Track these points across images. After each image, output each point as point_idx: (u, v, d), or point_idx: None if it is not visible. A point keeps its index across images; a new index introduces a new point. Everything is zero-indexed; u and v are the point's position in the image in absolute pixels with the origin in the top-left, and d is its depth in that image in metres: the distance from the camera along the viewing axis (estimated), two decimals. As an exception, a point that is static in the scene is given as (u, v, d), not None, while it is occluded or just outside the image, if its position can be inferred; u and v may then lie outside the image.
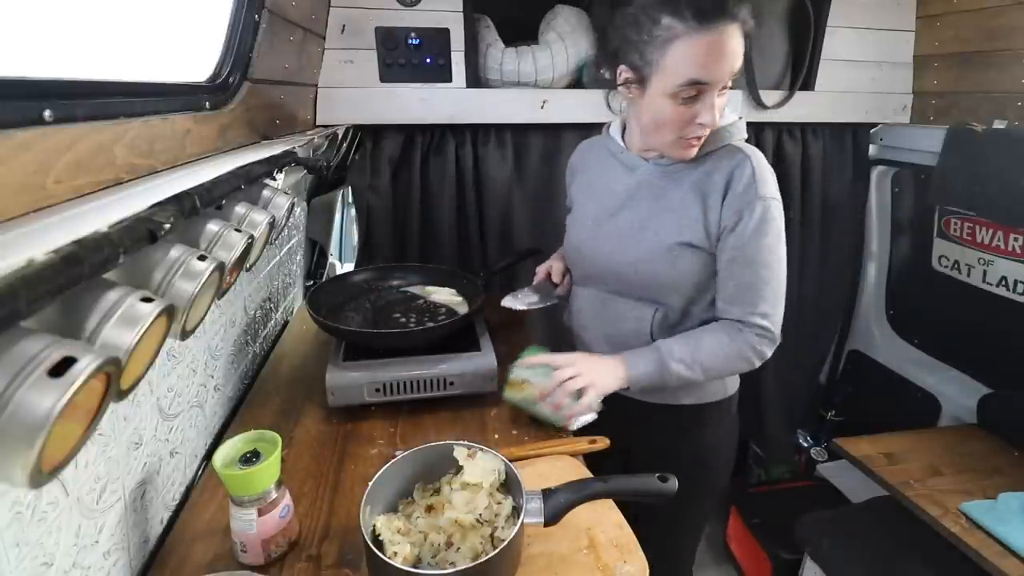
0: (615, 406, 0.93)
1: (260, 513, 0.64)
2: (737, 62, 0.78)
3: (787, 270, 0.87)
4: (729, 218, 0.84)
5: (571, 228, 1.03)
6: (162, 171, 0.60)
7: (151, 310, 0.43)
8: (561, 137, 1.51)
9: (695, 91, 0.78)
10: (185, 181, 0.54)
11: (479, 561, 0.57)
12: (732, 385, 1.00)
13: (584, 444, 0.87)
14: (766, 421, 1.80)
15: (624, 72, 0.84)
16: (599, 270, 0.97)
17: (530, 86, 1.41)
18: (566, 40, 1.40)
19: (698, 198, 0.86)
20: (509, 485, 0.68)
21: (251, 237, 0.65)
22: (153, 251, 0.51)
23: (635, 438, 0.97)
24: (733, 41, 0.76)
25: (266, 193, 0.82)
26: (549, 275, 1.10)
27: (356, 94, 1.31)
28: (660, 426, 0.98)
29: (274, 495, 0.65)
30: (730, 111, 0.88)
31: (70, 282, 0.35)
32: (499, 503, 0.65)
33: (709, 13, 0.74)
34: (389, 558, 0.56)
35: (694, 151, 0.85)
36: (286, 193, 0.85)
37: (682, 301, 0.91)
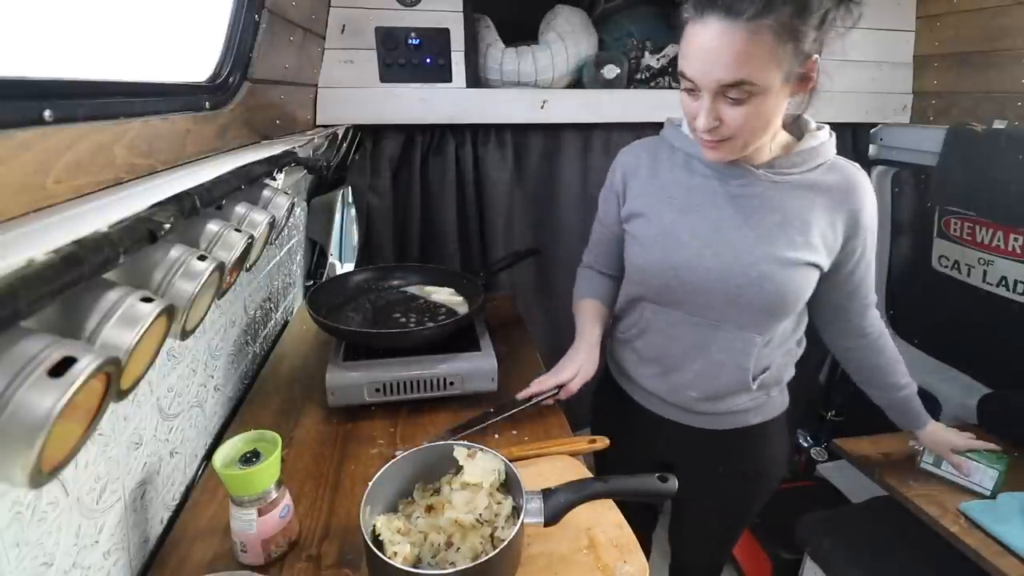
0: (681, 436, 0.94)
1: (260, 513, 0.64)
2: (721, 69, 0.66)
3: None
4: (852, 228, 0.81)
5: (652, 245, 0.86)
6: (162, 171, 0.60)
7: (151, 310, 0.43)
8: (561, 137, 1.51)
9: (689, 85, 0.72)
10: (185, 181, 0.54)
11: (479, 561, 0.57)
12: (787, 397, 1.00)
13: (584, 444, 0.87)
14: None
15: None
16: (704, 294, 0.83)
17: (530, 86, 1.41)
18: (566, 40, 1.39)
19: (820, 212, 0.80)
20: (509, 485, 0.68)
21: (251, 237, 0.65)
22: (153, 251, 0.51)
23: (702, 464, 0.96)
24: (722, 41, 0.65)
25: (266, 193, 0.82)
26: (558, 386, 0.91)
27: (356, 94, 1.31)
28: (727, 450, 0.96)
29: (274, 495, 0.65)
30: (816, 127, 0.83)
31: (70, 282, 0.35)
32: (499, 503, 0.65)
33: (702, 3, 0.66)
34: (389, 558, 0.56)
35: (714, 155, 0.76)
36: (286, 193, 0.85)
37: (784, 325, 0.86)
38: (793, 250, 0.79)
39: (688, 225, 0.83)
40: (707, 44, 0.67)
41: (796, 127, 0.84)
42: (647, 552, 1.19)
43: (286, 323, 1.35)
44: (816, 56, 0.70)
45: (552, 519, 0.63)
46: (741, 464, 0.97)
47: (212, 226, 0.61)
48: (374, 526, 0.62)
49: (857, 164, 0.84)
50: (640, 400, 0.98)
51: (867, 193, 0.82)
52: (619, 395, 1.01)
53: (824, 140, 0.82)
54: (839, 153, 0.84)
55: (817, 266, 0.81)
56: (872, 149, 1.70)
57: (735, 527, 1.11)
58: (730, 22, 0.64)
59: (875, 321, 0.93)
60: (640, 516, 1.04)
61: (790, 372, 0.94)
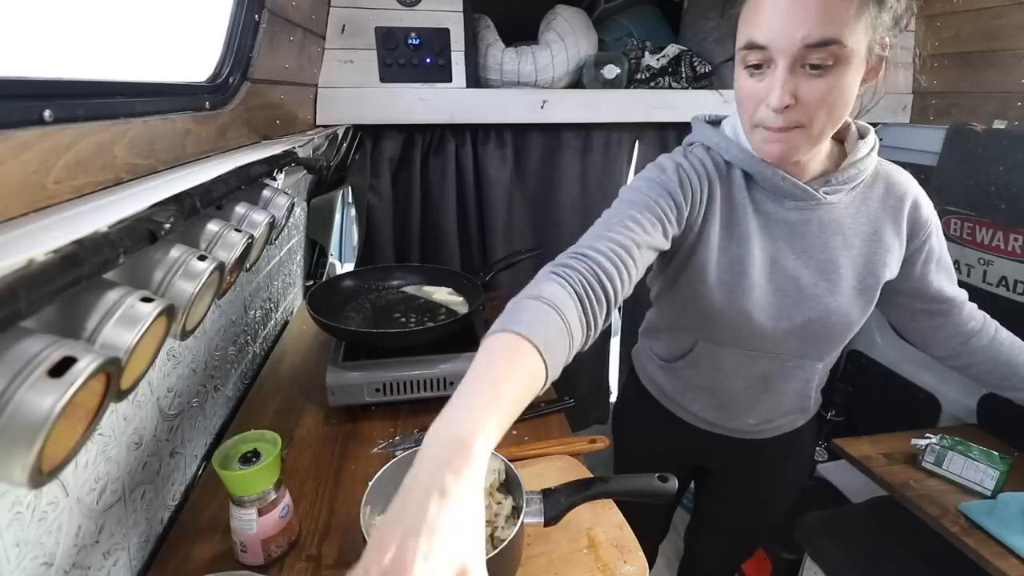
0: (724, 445, 0.90)
1: (260, 513, 0.64)
2: (808, 25, 0.56)
3: None
4: (913, 229, 0.76)
5: (718, 283, 0.73)
6: (162, 171, 0.60)
7: (151, 310, 0.43)
8: (561, 137, 1.51)
9: (758, 58, 0.61)
10: (185, 181, 0.54)
11: (479, 561, 0.56)
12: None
13: (584, 444, 0.87)
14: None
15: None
16: (767, 332, 0.74)
17: (530, 86, 1.41)
18: (566, 40, 1.39)
19: (882, 228, 0.74)
20: (509, 485, 0.68)
21: (251, 237, 0.65)
22: (153, 251, 0.51)
23: (742, 470, 0.95)
24: None
25: (266, 193, 0.82)
26: None
27: (356, 94, 1.31)
28: (770, 455, 0.93)
29: (274, 495, 0.65)
30: (859, 127, 0.74)
31: (70, 282, 0.35)
32: (499, 503, 0.65)
33: None
34: (389, 558, 0.56)
35: (779, 148, 0.64)
36: (286, 193, 0.85)
37: (843, 348, 0.79)
38: (859, 276, 0.73)
39: (747, 259, 0.72)
40: None
41: (837, 133, 0.73)
42: (651, 562, 1.16)
43: (286, 323, 1.35)
44: (888, 40, 0.62)
45: (552, 519, 0.63)
46: (782, 466, 0.95)
47: (212, 226, 0.61)
48: (374, 526, 0.62)
49: (894, 163, 0.78)
50: (685, 418, 0.92)
51: (916, 187, 0.76)
52: (655, 407, 0.94)
53: (873, 145, 0.73)
54: None
55: (886, 280, 0.76)
56: (872, 149, 1.69)
57: (760, 531, 1.09)
58: None
59: (975, 314, 0.84)
60: (647, 524, 1.02)
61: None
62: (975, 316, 0.84)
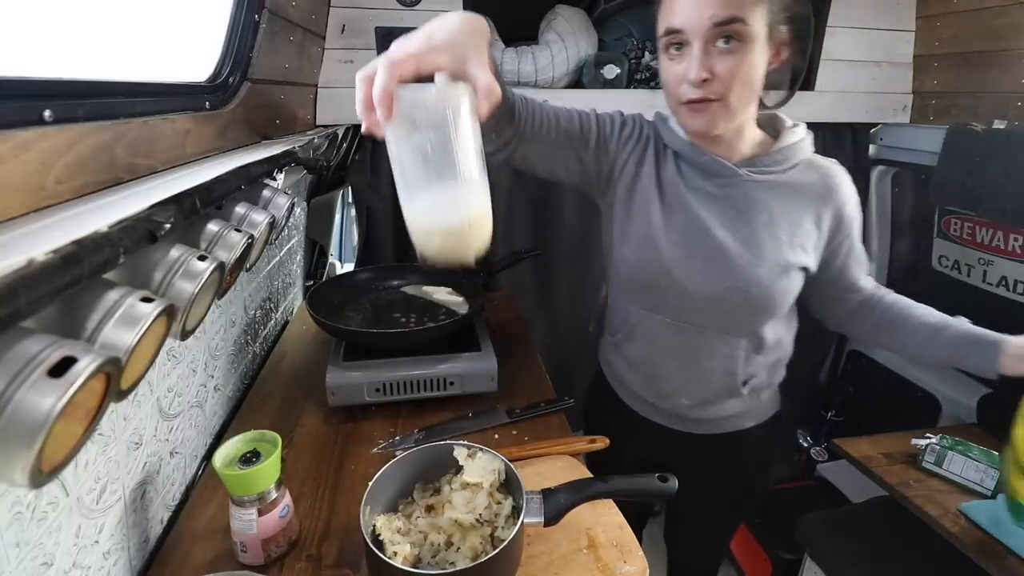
0: (674, 440, 0.93)
1: (260, 513, 0.64)
2: (714, 5, 0.67)
3: None
4: (837, 224, 0.82)
5: (644, 241, 0.82)
6: (162, 171, 0.60)
7: (151, 310, 0.43)
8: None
9: (676, 40, 0.71)
10: (185, 181, 0.54)
11: (479, 561, 0.57)
12: (779, 398, 0.99)
13: (584, 444, 0.87)
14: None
15: None
16: (691, 298, 0.81)
17: (530, 86, 1.41)
18: (566, 40, 1.39)
19: (805, 213, 0.80)
20: (509, 485, 0.68)
21: (251, 237, 0.65)
22: (153, 251, 0.51)
23: (695, 468, 0.95)
24: None
25: (266, 193, 0.82)
26: None
27: (356, 94, 1.31)
28: (720, 454, 0.95)
29: (274, 495, 0.65)
30: (792, 124, 0.83)
31: (70, 282, 0.35)
32: (499, 503, 0.65)
33: None
34: (389, 558, 0.56)
35: (700, 120, 0.73)
36: (286, 193, 0.85)
37: (773, 329, 0.85)
38: (781, 253, 0.79)
39: (678, 224, 0.81)
40: None
41: (772, 126, 0.84)
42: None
43: (286, 323, 1.35)
44: (786, 28, 0.73)
45: (552, 519, 0.63)
46: (733, 467, 0.97)
47: (212, 226, 0.61)
48: (374, 526, 0.62)
49: (834, 160, 0.85)
50: (632, 404, 0.98)
51: (848, 186, 0.83)
52: (612, 396, 1.01)
53: (802, 137, 0.82)
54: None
55: (805, 268, 0.81)
56: (872, 149, 1.69)
57: (728, 527, 1.12)
58: None
59: (873, 288, 0.91)
60: (631, 511, 1.05)
61: (781, 374, 0.93)
62: (872, 289, 0.91)
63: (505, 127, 0.73)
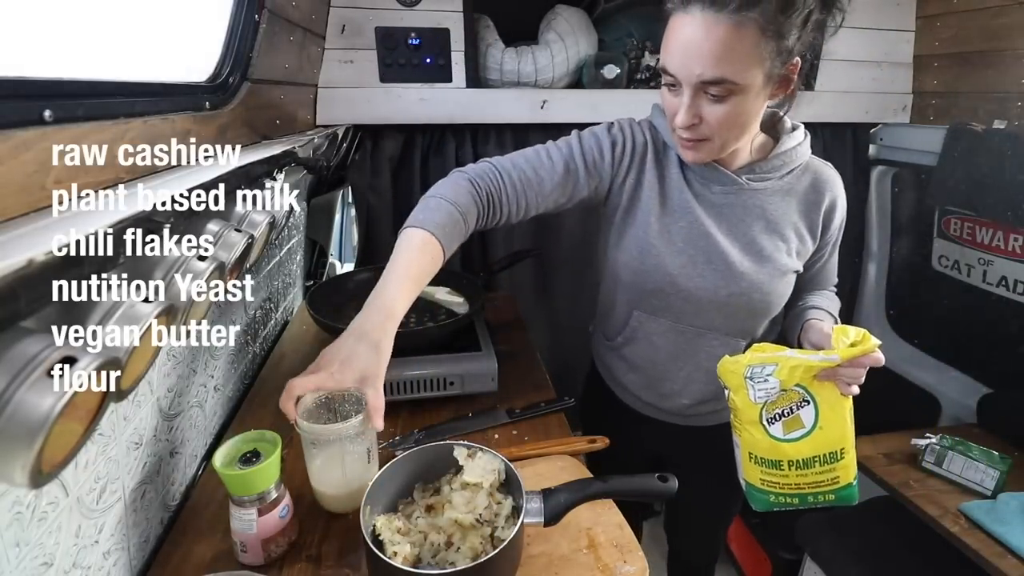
0: (671, 432, 0.94)
1: (260, 513, 0.64)
2: (703, 64, 0.64)
3: None
4: (827, 224, 0.85)
5: (648, 247, 0.82)
6: (162, 171, 0.60)
7: (151, 310, 0.43)
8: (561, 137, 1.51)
9: (670, 81, 0.69)
10: (185, 181, 0.54)
11: (479, 561, 0.57)
12: None
13: (584, 444, 0.87)
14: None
15: None
16: (695, 302, 0.82)
17: (530, 86, 1.41)
18: (566, 40, 1.39)
19: (800, 217, 0.82)
20: (509, 485, 0.68)
21: (251, 237, 0.65)
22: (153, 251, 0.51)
23: (691, 458, 0.96)
24: (706, 34, 0.63)
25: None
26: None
27: (356, 94, 1.31)
28: (715, 443, 0.92)
29: (274, 495, 0.65)
30: (792, 126, 0.83)
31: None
32: (499, 503, 0.65)
33: None
34: (389, 558, 0.56)
35: (692, 155, 0.74)
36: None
37: (767, 326, 0.87)
38: (779, 259, 0.81)
39: (681, 230, 0.81)
40: (690, 36, 0.64)
41: (772, 126, 0.84)
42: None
43: (286, 323, 1.35)
44: (798, 59, 0.69)
45: (552, 519, 0.63)
46: (729, 456, 0.97)
47: (212, 226, 0.61)
48: (374, 526, 0.62)
49: (828, 163, 0.86)
50: (631, 404, 0.98)
51: (839, 187, 0.85)
52: (609, 396, 1.01)
53: (800, 141, 0.82)
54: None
55: (797, 271, 0.85)
56: (872, 149, 1.69)
57: (727, 515, 1.13)
58: (714, 13, 0.62)
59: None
60: (630, 507, 1.06)
61: None
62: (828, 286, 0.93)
63: (491, 225, 0.79)
